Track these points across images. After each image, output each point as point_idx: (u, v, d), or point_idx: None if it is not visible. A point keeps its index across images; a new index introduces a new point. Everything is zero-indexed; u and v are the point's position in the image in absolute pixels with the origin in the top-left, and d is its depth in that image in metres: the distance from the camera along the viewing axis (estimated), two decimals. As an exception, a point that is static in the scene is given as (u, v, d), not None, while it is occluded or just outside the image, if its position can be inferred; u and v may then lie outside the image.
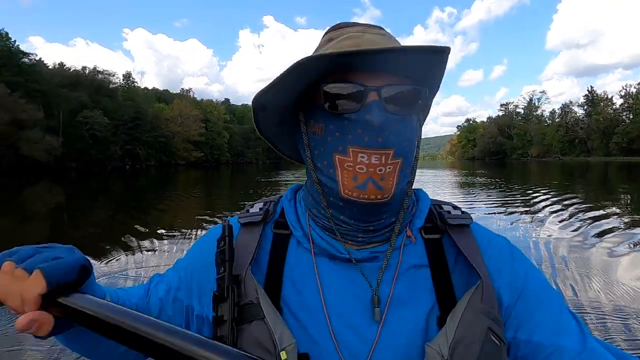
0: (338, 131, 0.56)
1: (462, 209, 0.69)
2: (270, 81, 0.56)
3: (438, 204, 0.70)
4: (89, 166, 54.17)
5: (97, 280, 0.58)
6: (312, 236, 0.63)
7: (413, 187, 0.66)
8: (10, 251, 0.52)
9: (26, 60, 53.01)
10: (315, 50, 0.64)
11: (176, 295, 0.68)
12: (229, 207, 10.95)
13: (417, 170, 0.62)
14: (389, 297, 0.59)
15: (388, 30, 0.64)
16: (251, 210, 0.69)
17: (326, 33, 0.65)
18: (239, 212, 0.70)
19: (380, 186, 0.56)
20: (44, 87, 52.01)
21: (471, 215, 0.67)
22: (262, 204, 0.70)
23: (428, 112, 0.70)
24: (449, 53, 0.54)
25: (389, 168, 0.56)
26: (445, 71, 0.58)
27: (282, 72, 0.54)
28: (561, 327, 0.59)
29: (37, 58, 56.38)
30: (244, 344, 0.54)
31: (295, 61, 0.52)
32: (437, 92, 0.65)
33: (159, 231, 7.18)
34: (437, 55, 0.55)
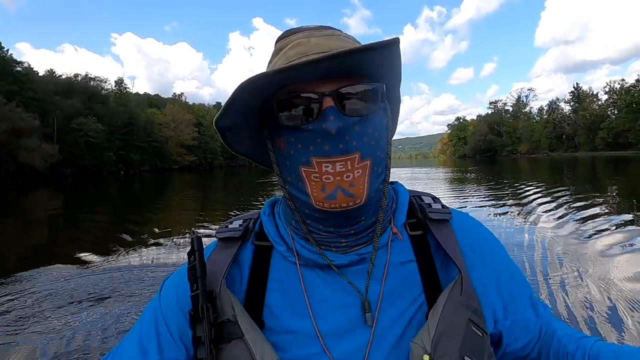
0: (299, 143, 0.55)
1: (443, 203, 0.69)
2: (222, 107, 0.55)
3: (417, 196, 0.70)
4: (84, 172, 54.48)
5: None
6: (295, 248, 0.62)
7: (390, 181, 0.65)
8: None
9: (19, 68, 53.23)
10: (269, 62, 0.63)
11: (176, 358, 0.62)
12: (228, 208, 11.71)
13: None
14: (380, 298, 0.59)
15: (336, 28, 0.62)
16: (230, 226, 0.68)
17: (276, 42, 0.64)
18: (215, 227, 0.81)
19: (350, 193, 0.54)
20: (39, 95, 52.30)
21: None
22: (241, 220, 0.69)
23: (399, 102, 0.67)
24: (399, 44, 0.51)
25: (358, 172, 0.54)
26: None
27: (230, 95, 0.52)
28: (525, 304, 0.68)
29: (28, 65, 56.59)
30: None
31: (238, 84, 0.51)
32: (400, 80, 0.63)
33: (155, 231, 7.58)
34: (388, 49, 0.51)
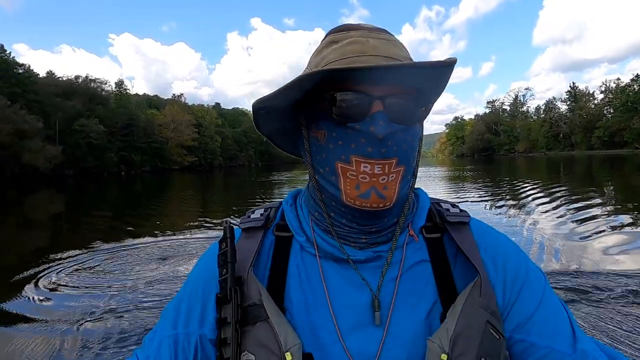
0: (341, 139, 0.56)
1: (461, 208, 0.70)
2: (273, 91, 0.55)
3: (437, 202, 0.71)
4: (86, 173, 54.99)
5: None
6: (316, 240, 0.63)
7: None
8: None
9: (21, 70, 53.65)
10: (317, 52, 0.63)
11: (186, 332, 0.63)
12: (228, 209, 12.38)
13: None
14: (394, 296, 0.60)
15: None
16: (252, 216, 0.70)
17: (328, 34, 0.63)
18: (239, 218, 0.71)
19: (383, 195, 0.56)
20: (41, 97, 52.83)
21: (468, 209, 0.69)
22: (262, 210, 0.71)
23: (428, 113, 0.68)
24: (455, 64, 0.53)
25: (392, 177, 0.56)
26: (456, 62, 0.54)
27: (287, 83, 0.53)
28: (556, 329, 0.59)
29: (28, 67, 57.05)
30: (248, 345, 0.54)
31: (299, 76, 0.52)
32: (439, 95, 0.64)
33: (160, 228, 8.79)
34: (444, 69, 0.54)
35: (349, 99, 0.54)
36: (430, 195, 0.71)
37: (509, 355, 0.59)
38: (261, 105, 0.59)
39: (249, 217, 0.70)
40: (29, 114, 46.35)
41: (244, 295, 0.58)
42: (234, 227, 0.65)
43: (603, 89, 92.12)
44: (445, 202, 0.72)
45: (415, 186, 0.68)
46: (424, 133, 0.62)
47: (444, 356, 0.52)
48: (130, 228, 8.84)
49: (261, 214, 0.70)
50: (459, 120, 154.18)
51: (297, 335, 0.55)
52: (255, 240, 0.65)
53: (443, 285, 0.61)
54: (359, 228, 0.61)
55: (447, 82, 0.60)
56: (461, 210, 0.69)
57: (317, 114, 0.59)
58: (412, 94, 0.56)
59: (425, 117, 0.68)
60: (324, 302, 0.60)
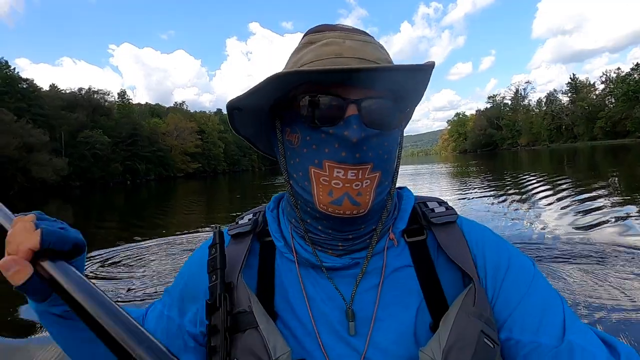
0: (314, 144, 0.55)
1: (448, 205, 0.67)
2: (245, 91, 0.54)
3: (423, 202, 0.68)
4: (92, 184, 55.61)
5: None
6: (294, 246, 0.63)
7: (398, 185, 0.65)
8: (40, 212, 0.58)
9: (25, 85, 54.48)
10: (295, 51, 0.62)
11: (169, 315, 0.67)
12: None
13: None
14: (376, 305, 0.58)
15: (369, 31, 0.61)
16: (240, 222, 0.69)
17: (306, 34, 0.62)
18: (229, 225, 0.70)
19: (356, 202, 0.54)
20: (46, 111, 53.64)
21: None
22: (251, 214, 0.70)
23: (410, 117, 0.67)
24: (434, 68, 0.52)
25: (367, 183, 0.55)
26: (435, 66, 0.53)
27: (258, 82, 0.52)
28: (542, 321, 0.56)
29: (33, 82, 57.88)
30: (238, 353, 0.53)
31: (272, 73, 0.51)
32: (420, 100, 0.63)
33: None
34: (421, 72, 0.53)
35: (323, 102, 0.53)
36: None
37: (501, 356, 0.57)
38: (236, 105, 0.58)
39: (237, 223, 0.70)
40: (35, 127, 47.16)
41: (234, 301, 0.57)
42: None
43: (604, 79, 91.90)
44: (432, 200, 0.69)
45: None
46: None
47: None
48: (140, 230, 9.28)
49: (249, 219, 0.69)
50: (461, 116, 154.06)
51: (286, 343, 0.54)
52: (244, 246, 0.64)
53: (429, 291, 0.59)
54: (335, 235, 0.60)
55: (426, 86, 0.58)
56: (447, 209, 0.67)
57: (291, 117, 0.58)
58: (389, 98, 0.55)
59: (406, 123, 0.66)
60: (305, 311, 0.59)
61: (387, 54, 0.60)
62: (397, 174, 0.62)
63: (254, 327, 0.54)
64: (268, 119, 0.63)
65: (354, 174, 0.54)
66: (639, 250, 4.52)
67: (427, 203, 0.68)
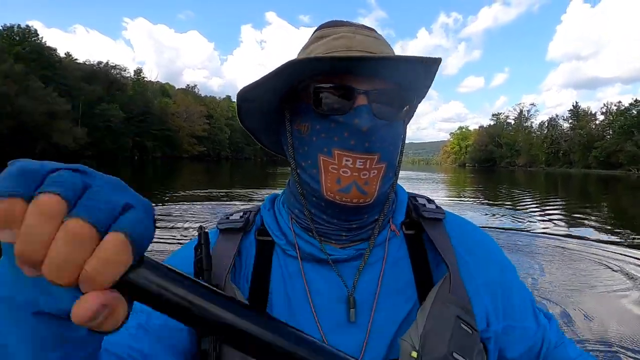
0: (324, 132, 0.56)
1: (437, 204, 0.70)
2: (259, 78, 0.54)
3: (413, 197, 0.71)
4: (102, 156, 58.08)
5: None
6: (296, 242, 0.63)
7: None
8: (40, 165, 0.27)
9: (51, 54, 57.04)
10: (305, 46, 0.63)
11: (153, 324, 0.56)
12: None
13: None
14: (377, 294, 0.60)
15: (380, 32, 0.63)
16: (231, 218, 0.67)
17: (318, 29, 0.64)
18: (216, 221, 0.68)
19: (364, 191, 0.55)
20: (68, 81, 56.42)
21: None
22: (242, 213, 0.69)
23: (413, 114, 0.69)
24: (440, 64, 0.54)
25: (374, 173, 0.56)
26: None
27: (271, 70, 0.52)
28: (524, 309, 0.67)
29: (56, 52, 60.31)
30: (228, 357, 0.53)
31: (285, 61, 0.51)
32: (424, 96, 0.65)
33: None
34: (428, 66, 0.55)
35: (333, 91, 0.54)
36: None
37: (484, 348, 0.61)
38: (247, 95, 0.58)
39: (227, 218, 0.68)
40: (59, 96, 49.84)
41: None
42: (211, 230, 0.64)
43: (604, 110, 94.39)
44: (422, 197, 0.71)
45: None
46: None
47: (414, 353, 0.52)
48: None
49: (240, 217, 0.67)
50: (464, 130, 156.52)
51: None
52: (234, 244, 0.63)
53: (421, 282, 0.62)
54: (340, 224, 0.61)
55: (432, 80, 0.60)
56: (437, 207, 0.69)
57: (301, 107, 0.59)
58: (397, 90, 0.57)
59: (409, 119, 0.68)
60: (306, 303, 0.60)
61: (394, 51, 0.62)
62: (399, 167, 0.63)
63: None
64: (276, 113, 0.63)
65: (362, 163, 0.55)
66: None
67: (417, 198, 0.70)
